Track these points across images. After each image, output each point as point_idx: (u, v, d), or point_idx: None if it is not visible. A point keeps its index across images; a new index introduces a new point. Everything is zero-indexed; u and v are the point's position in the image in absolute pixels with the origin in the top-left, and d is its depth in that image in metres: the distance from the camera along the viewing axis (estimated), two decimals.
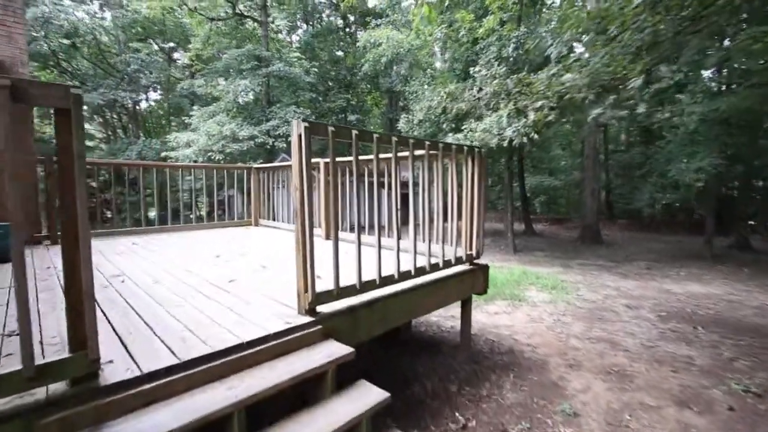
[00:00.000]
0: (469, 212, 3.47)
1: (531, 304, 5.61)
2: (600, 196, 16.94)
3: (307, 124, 2.13)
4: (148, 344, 1.85)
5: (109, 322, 2.14)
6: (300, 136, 2.14)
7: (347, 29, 20.66)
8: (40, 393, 1.44)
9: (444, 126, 10.32)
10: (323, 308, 2.31)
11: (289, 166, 6.37)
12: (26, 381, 1.33)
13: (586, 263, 9.46)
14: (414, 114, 11.02)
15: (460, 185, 3.43)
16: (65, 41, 17.67)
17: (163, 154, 14.23)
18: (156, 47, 22.79)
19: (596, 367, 3.48)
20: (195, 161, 13.43)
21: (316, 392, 1.95)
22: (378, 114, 22.55)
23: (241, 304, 2.47)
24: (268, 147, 13.07)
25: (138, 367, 1.63)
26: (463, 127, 8.22)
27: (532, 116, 4.76)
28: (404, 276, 2.76)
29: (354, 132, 2.38)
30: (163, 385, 1.57)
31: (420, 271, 2.90)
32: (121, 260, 3.90)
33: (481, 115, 7.82)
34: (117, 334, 1.97)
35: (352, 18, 21.15)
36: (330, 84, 17.93)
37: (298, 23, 22.26)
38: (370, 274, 2.58)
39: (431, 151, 2.98)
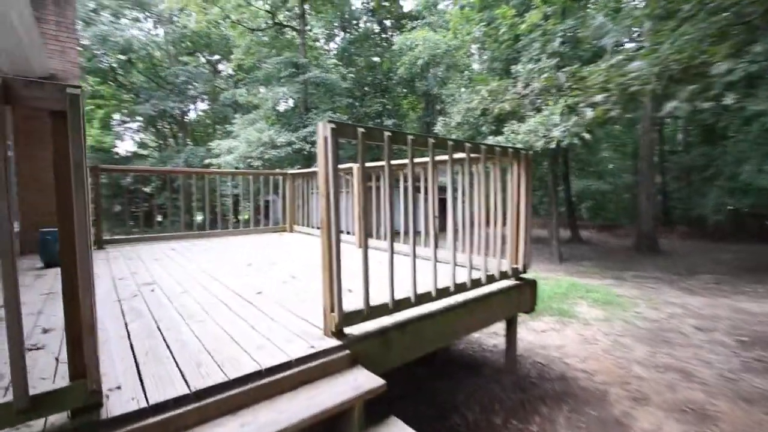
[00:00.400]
0: (515, 221, 3.12)
1: (582, 321, 5.09)
2: (656, 200, 15.61)
3: (333, 126, 1.92)
4: (161, 367, 1.70)
5: (129, 337, 2.03)
6: (326, 139, 1.93)
7: (383, 34, 20.63)
8: (37, 425, 1.31)
9: (483, 128, 9.88)
10: (351, 329, 2.08)
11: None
12: (19, 414, 1.19)
13: (642, 275, 8.62)
14: (451, 117, 10.66)
15: (503, 191, 3.10)
16: (122, 57, 18.98)
17: (207, 161, 14.80)
18: (203, 60, 23.99)
19: (667, 403, 2.99)
20: (236, 167, 13.83)
21: (341, 430, 1.71)
22: (414, 118, 22.26)
23: (265, 320, 2.30)
24: (306, 153, 13.19)
25: (145, 396, 1.47)
26: (504, 129, 7.77)
27: (589, 113, 4.27)
28: (442, 293, 2.48)
29: (386, 134, 2.14)
30: (169, 420, 1.40)
31: (460, 288, 2.60)
32: (156, 267, 3.91)
33: (524, 115, 7.35)
34: (133, 353, 1.84)
35: (388, 23, 21.12)
36: (366, 89, 17.92)
37: (335, 31, 22.59)
38: (404, 289, 2.32)
39: (473, 154, 2.68)
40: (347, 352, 1.92)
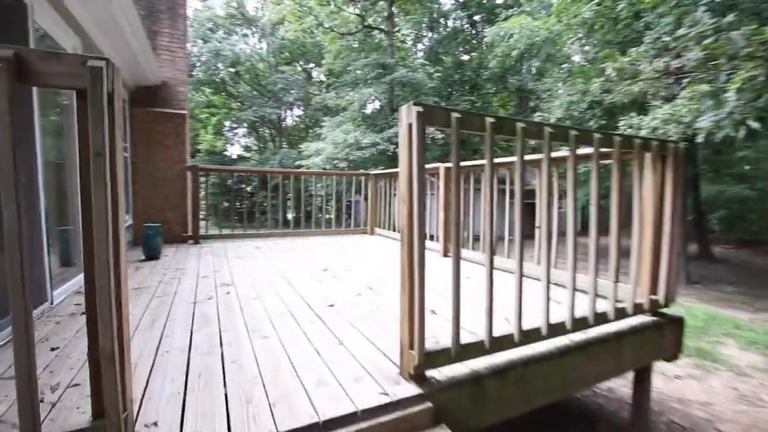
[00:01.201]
0: (654, 237, 2.34)
1: (735, 369, 3.90)
2: None
3: (420, 109, 1.48)
4: (209, 398, 1.44)
5: (190, 350, 1.85)
6: (410, 126, 1.50)
7: (473, 27, 19.66)
8: None
9: (591, 123, 8.57)
10: (435, 372, 1.62)
11: None
12: None
13: None
14: (551, 112, 9.49)
15: (629, 194, 2.35)
16: (231, 69, 21.10)
17: (297, 162, 15.60)
18: (299, 68, 25.62)
19: None
20: (323, 168, 14.29)
21: None
22: (505, 116, 20.76)
23: (333, 343, 1.96)
24: (389, 153, 13.06)
25: None
26: (620, 123, 6.55)
27: None
28: (556, 330, 1.88)
29: (488, 120, 1.64)
30: None
31: (580, 324, 1.97)
32: (238, 265, 3.91)
33: (648, 104, 6.06)
34: (188, 372, 1.63)
35: (478, 17, 20.11)
36: (453, 87, 17.22)
37: (423, 32, 22.24)
38: (499, 318, 1.79)
39: (602, 149, 2.02)
40: (429, 404, 1.46)
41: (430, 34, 21.95)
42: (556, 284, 2.35)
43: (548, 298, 1.85)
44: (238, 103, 22.67)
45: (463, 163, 4.06)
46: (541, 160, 1.83)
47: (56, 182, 3.03)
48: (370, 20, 17.97)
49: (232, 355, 1.81)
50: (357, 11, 18.10)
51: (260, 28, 23.00)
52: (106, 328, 1.01)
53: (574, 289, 1.96)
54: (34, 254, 2.33)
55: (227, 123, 26.72)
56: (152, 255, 4.28)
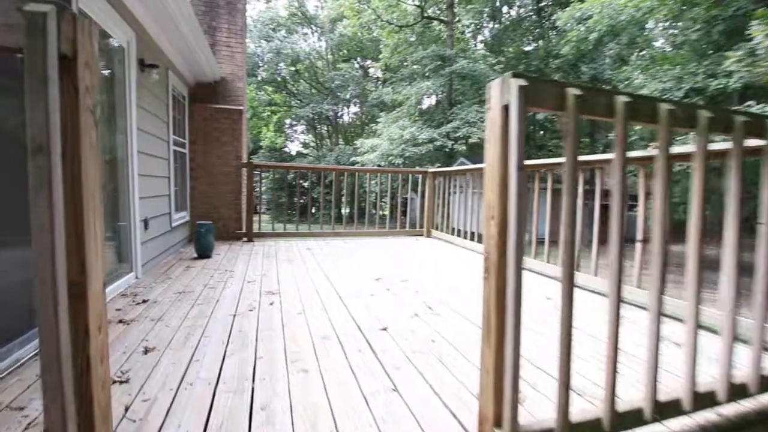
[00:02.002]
0: None
1: None
2: None
3: (522, 82, 1.01)
4: None
5: (217, 385, 1.55)
6: (506, 108, 1.04)
7: (539, 14, 18.17)
8: None
9: None
10: None
11: (471, 170, 5.33)
12: None
13: None
14: None
15: None
16: (291, 68, 21.65)
17: (352, 159, 15.52)
18: (356, 65, 25.70)
19: None
20: (378, 165, 14.03)
21: None
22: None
23: (384, 390, 1.56)
24: (447, 150, 12.43)
25: None
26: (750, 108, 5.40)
27: None
28: (704, 400, 1.31)
29: (621, 100, 1.12)
30: None
31: (739, 392, 1.37)
32: (286, 270, 3.66)
33: None
34: (208, 420, 1.32)
35: (546, 2, 18.57)
36: None
37: (484, 22, 21.10)
38: (593, 372, 1.26)
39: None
40: None
41: (491, 24, 20.77)
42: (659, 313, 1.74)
43: (694, 348, 1.28)
44: (297, 101, 23.25)
45: (587, 158, 3.51)
46: (692, 155, 1.26)
47: (107, 170, 2.95)
48: (429, 11, 17.34)
49: (263, 396, 1.48)
50: (416, 2, 17.55)
51: (319, 25, 23.35)
52: (55, 409, 0.67)
53: (733, 338, 1.36)
54: None
55: (287, 120, 27.64)
56: (204, 253, 4.21)
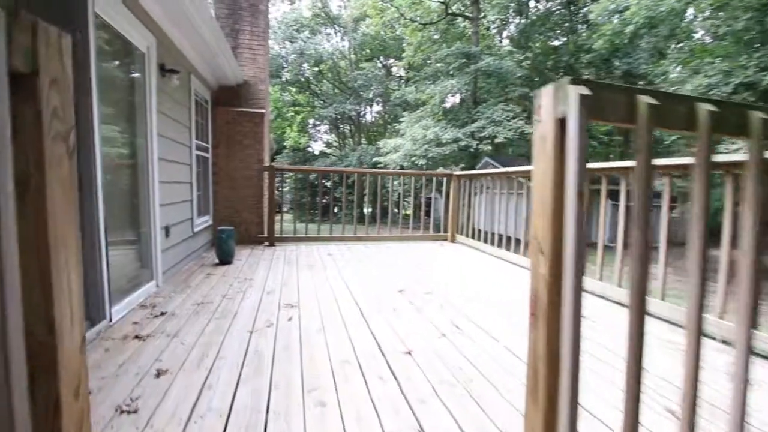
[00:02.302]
0: None
1: None
2: None
3: (584, 90, 0.82)
4: None
5: (228, 420, 1.43)
6: (561, 121, 0.85)
7: (568, 7, 17.43)
8: None
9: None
10: None
11: (499, 174, 5.07)
12: None
13: None
14: None
15: None
16: (315, 68, 21.74)
17: (375, 159, 15.39)
18: (379, 64, 25.57)
19: None
20: (401, 165, 13.85)
21: None
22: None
23: (406, 430, 1.40)
24: (472, 150, 12.09)
25: None
26: None
27: None
28: None
29: (705, 109, 0.91)
30: None
31: None
32: (306, 278, 3.56)
33: None
34: None
35: None
36: (546, 75, 15.44)
37: (510, 17, 20.49)
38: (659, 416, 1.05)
39: None
40: None
41: (518, 20, 20.14)
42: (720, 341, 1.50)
43: None
44: (321, 101, 23.35)
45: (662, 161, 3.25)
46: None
47: (125, 179, 2.92)
48: (453, 7, 16.98)
49: None
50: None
51: (342, 25, 23.35)
52: None
53: None
54: (88, 267, 2.15)
55: (311, 120, 27.84)
56: (225, 259, 4.16)
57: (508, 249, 4.67)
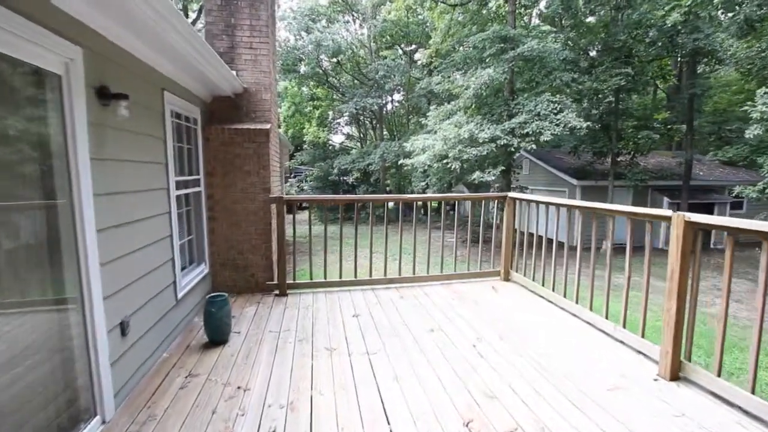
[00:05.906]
0: None
1: None
2: None
3: None
4: None
5: None
6: None
7: None
8: None
9: None
10: None
11: (580, 208, 3.72)
12: None
13: None
14: None
15: None
16: (333, 60, 20.47)
17: (400, 162, 14.09)
18: (400, 52, 23.99)
19: None
20: (429, 166, 12.54)
21: None
22: (665, 88, 15.95)
23: None
24: (512, 149, 10.58)
25: None
26: None
27: None
28: None
29: None
30: None
31: None
32: (324, 373, 2.41)
33: None
34: None
35: None
36: (597, 56, 13.44)
37: None
38: None
39: None
40: None
41: None
42: None
43: None
44: (340, 94, 22.12)
45: None
46: None
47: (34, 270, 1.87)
48: None
49: None
50: None
51: (361, 11, 21.88)
52: None
53: None
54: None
55: (330, 113, 26.74)
56: (217, 338, 3.12)
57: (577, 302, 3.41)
